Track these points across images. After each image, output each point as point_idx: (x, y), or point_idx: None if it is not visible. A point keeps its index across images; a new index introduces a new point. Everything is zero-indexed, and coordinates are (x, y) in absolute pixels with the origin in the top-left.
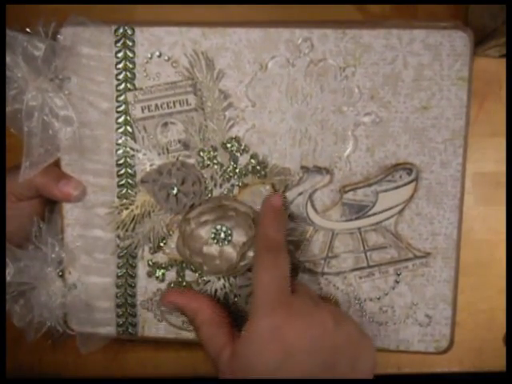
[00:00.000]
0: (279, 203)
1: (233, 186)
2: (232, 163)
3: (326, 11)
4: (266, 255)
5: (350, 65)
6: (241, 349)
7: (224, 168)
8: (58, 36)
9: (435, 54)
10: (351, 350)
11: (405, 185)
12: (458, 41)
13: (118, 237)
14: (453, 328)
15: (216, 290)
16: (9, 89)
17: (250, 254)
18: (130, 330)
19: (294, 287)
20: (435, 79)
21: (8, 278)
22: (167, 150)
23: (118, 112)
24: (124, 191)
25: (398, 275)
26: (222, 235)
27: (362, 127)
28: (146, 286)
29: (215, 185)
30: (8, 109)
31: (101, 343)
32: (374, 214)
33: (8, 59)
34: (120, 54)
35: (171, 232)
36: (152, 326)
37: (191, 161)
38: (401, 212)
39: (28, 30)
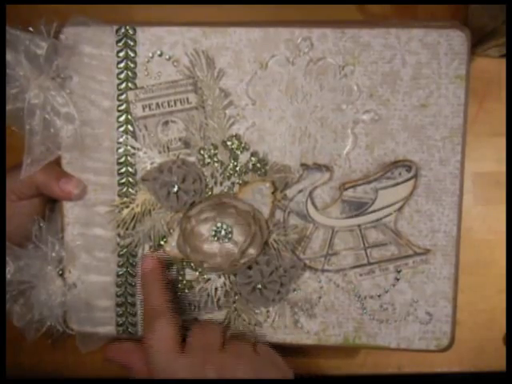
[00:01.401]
0: (150, 265)
1: (233, 183)
2: (232, 161)
3: (326, 11)
4: (150, 321)
5: (349, 63)
6: None
7: (224, 166)
8: (61, 35)
9: (433, 52)
10: None
11: (404, 182)
12: (455, 40)
13: (119, 235)
14: (453, 325)
15: (216, 288)
16: (11, 87)
17: (251, 251)
18: (129, 330)
19: (187, 340)
20: (433, 77)
21: (8, 277)
22: (168, 148)
23: (119, 111)
24: (125, 189)
25: (398, 272)
26: (223, 232)
27: (362, 125)
28: None
29: (215, 183)
30: (10, 107)
31: (100, 342)
32: (374, 211)
33: (10, 57)
34: (121, 54)
35: (171, 230)
36: None
37: (192, 159)
38: (400, 209)
39: (30, 28)
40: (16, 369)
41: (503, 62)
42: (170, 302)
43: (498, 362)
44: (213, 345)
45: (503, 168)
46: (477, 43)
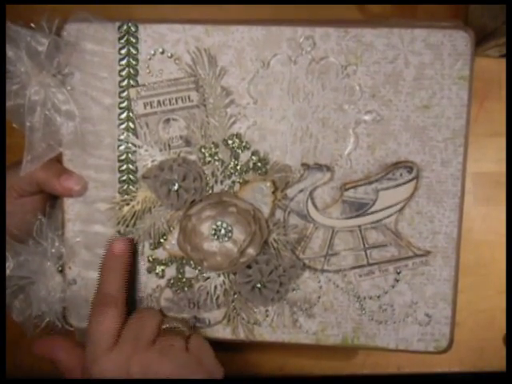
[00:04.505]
0: (119, 249)
1: (234, 182)
2: (233, 160)
3: (328, 11)
4: (97, 309)
5: (351, 63)
6: None
7: (225, 164)
8: (63, 32)
9: (436, 53)
10: None
11: (405, 183)
12: (459, 40)
13: (119, 232)
14: (452, 327)
15: (216, 287)
16: (11, 83)
17: (250, 250)
18: None
19: (122, 331)
20: (436, 78)
21: (8, 272)
22: (169, 146)
23: (120, 108)
24: (125, 187)
25: (398, 274)
26: (223, 231)
27: (363, 125)
28: (146, 282)
29: (216, 181)
30: (10, 103)
31: None
32: (375, 211)
33: (11, 54)
34: (123, 51)
35: (172, 228)
36: None
37: (192, 157)
38: (401, 210)
39: (32, 25)
40: (16, 369)
41: (503, 61)
42: (124, 292)
43: (498, 362)
44: (143, 338)
45: (503, 168)
46: (477, 43)
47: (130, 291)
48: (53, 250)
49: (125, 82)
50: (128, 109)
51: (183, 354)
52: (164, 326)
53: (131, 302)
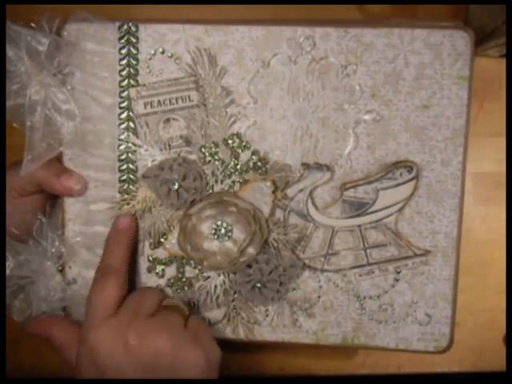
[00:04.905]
0: (124, 224)
1: (234, 182)
2: (233, 159)
3: (328, 11)
4: (98, 278)
5: (351, 63)
6: (77, 366)
7: (225, 164)
8: (63, 32)
9: (436, 53)
10: (164, 362)
11: (405, 183)
12: (458, 40)
13: None
14: (452, 327)
15: (216, 286)
16: (12, 83)
17: (251, 250)
18: None
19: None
20: (436, 78)
21: (8, 272)
22: (169, 145)
23: (120, 108)
24: (125, 186)
25: (398, 273)
26: (223, 231)
27: (363, 125)
28: (146, 282)
29: (216, 181)
30: (11, 103)
31: None
32: (374, 211)
33: (11, 53)
34: (124, 51)
35: (172, 227)
36: None
37: (193, 157)
38: (401, 210)
39: (32, 25)
40: (16, 369)
41: (503, 61)
42: (127, 266)
43: (498, 362)
44: (143, 310)
45: (503, 168)
46: (477, 43)
47: (132, 263)
48: (53, 250)
49: (125, 82)
50: (128, 108)
51: (181, 329)
52: (165, 303)
53: None
